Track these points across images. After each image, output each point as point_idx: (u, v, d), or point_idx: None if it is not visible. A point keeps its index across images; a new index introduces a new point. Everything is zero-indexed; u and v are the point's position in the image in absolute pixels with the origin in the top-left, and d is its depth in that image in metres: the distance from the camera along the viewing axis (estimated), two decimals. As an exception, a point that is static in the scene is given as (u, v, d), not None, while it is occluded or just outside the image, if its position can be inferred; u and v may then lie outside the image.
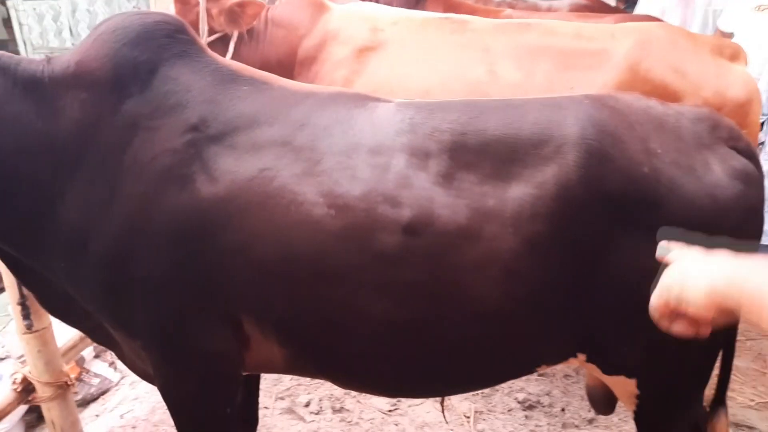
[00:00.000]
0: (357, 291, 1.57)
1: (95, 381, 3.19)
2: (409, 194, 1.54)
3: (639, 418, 1.82)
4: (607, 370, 1.73)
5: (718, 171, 1.59)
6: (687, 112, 1.68)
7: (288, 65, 2.93)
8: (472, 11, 3.72)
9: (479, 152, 1.58)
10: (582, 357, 1.72)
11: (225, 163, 1.60)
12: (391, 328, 1.59)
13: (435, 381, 1.75)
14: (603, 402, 2.02)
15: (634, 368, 1.71)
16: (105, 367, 3.35)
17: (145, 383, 3.22)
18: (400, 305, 1.57)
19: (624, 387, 1.76)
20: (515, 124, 1.60)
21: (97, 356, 3.31)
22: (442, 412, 2.15)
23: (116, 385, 3.33)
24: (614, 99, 1.68)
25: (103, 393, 3.27)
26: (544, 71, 2.64)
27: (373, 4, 3.22)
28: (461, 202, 1.54)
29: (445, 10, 3.55)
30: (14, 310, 2.20)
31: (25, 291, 2.16)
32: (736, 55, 2.58)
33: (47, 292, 1.87)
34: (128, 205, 1.60)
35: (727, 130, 1.67)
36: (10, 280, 2.16)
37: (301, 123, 1.64)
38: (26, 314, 2.17)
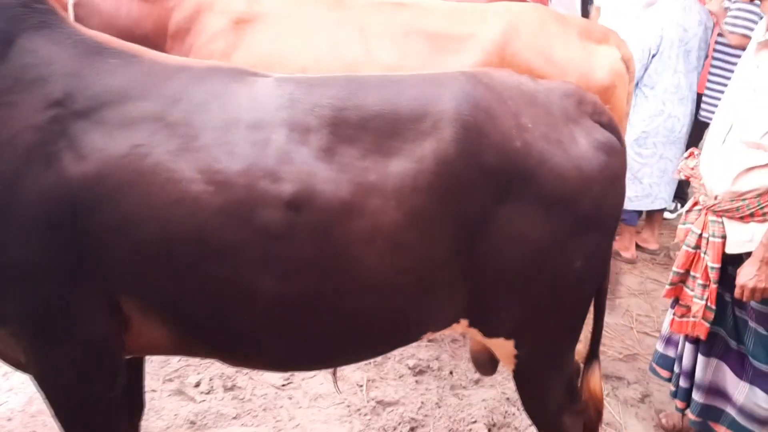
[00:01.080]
0: (241, 268, 1.55)
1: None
2: (291, 169, 1.54)
3: (518, 375, 1.94)
4: (488, 333, 1.83)
5: (583, 143, 1.69)
6: (556, 87, 1.78)
7: (157, 40, 2.75)
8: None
9: (360, 127, 1.59)
10: (464, 322, 1.80)
11: (94, 139, 1.52)
12: (279, 303, 1.59)
13: (326, 353, 1.77)
14: (486, 364, 2.13)
15: (511, 330, 1.81)
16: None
17: (19, 373, 3.07)
18: (287, 280, 1.57)
19: (503, 348, 1.86)
20: (394, 99, 1.62)
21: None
22: (335, 383, 2.18)
23: (-12, 378, 3.12)
24: (488, 75, 1.74)
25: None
26: (417, 53, 2.70)
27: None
28: (343, 177, 1.55)
29: None
30: None
31: None
32: (604, 37, 2.74)
33: None
34: None
35: (591, 105, 1.78)
36: None
37: (175, 97, 1.58)
38: None
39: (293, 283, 1.58)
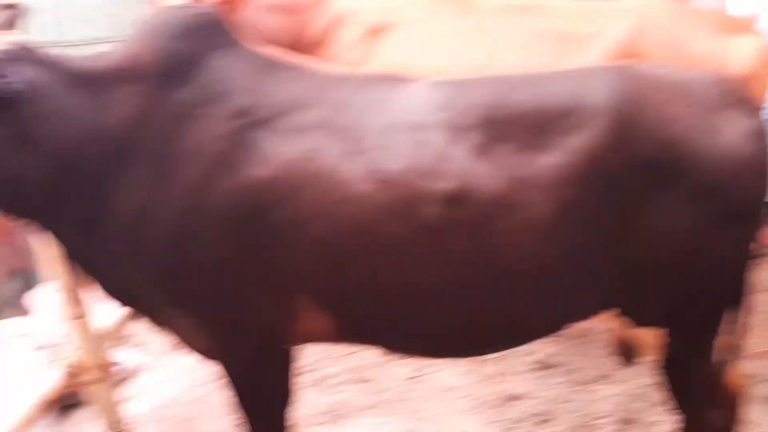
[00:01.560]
0: (405, 261, 1.67)
1: (126, 366, 3.28)
2: (449, 167, 1.64)
3: (666, 365, 1.95)
4: (639, 322, 1.86)
5: (731, 132, 1.70)
6: (702, 77, 1.79)
7: (293, 51, 2.96)
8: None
9: (512, 124, 1.68)
10: (617, 311, 1.84)
11: (271, 145, 1.69)
12: (439, 294, 1.70)
13: (480, 342, 1.87)
14: (627, 351, 2.16)
15: (662, 319, 1.84)
16: (134, 351, 3.44)
17: (175, 364, 3.34)
18: (447, 272, 1.68)
19: (653, 337, 1.89)
20: (544, 96, 1.70)
21: (127, 342, 3.40)
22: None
23: (147, 369, 3.43)
24: (633, 68, 1.78)
25: (134, 376, 3.36)
26: (543, 55, 2.74)
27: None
28: (499, 172, 1.64)
29: None
30: (64, 298, 2.27)
31: (69, 278, 2.24)
32: (743, 27, 2.66)
33: (105, 276, 1.96)
34: (182, 190, 1.69)
35: (737, 93, 1.78)
36: (55, 269, 2.24)
37: (341, 104, 1.73)
38: (72, 301, 2.25)
39: (454, 275, 1.69)
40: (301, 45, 2.95)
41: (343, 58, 2.84)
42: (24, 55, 1.71)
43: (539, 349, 3.34)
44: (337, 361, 3.32)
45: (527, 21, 2.82)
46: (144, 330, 3.78)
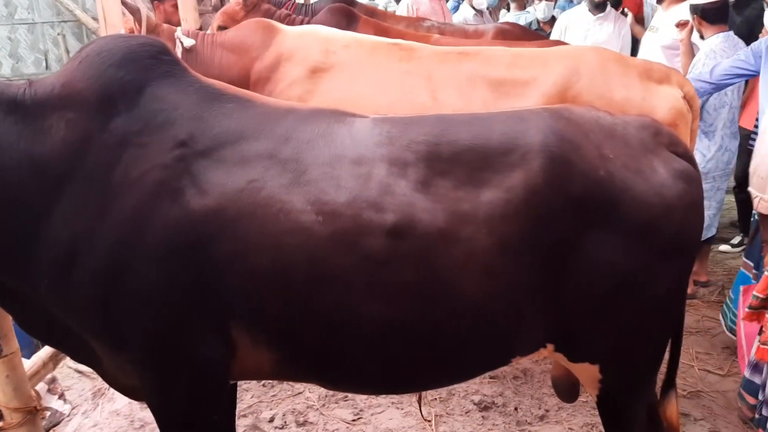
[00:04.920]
0: (348, 292, 1.66)
1: (47, 414, 3.10)
2: (392, 200, 1.66)
3: (602, 401, 1.99)
4: (573, 358, 1.89)
5: (662, 172, 1.79)
6: (632, 121, 1.89)
7: (240, 87, 3.00)
8: (401, 35, 3.93)
9: (453, 161, 1.71)
10: (551, 347, 1.87)
11: (214, 176, 1.67)
12: (380, 327, 1.69)
13: (421, 375, 1.86)
14: (567, 390, 2.18)
15: (597, 355, 1.88)
16: (55, 399, 3.26)
17: (98, 412, 3.19)
18: (389, 304, 1.67)
19: (588, 373, 1.92)
20: (484, 135, 1.75)
21: (48, 390, 3.22)
22: (420, 408, 2.25)
23: (68, 416, 3.25)
24: (569, 110, 1.86)
25: (55, 425, 3.19)
26: (481, 98, 2.86)
27: (324, 27, 3.34)
28: (439, 207, 1.67)
29: (376, 34, 3.73)
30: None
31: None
32: (665, 77, 2.85)
33: (27, 313, 1.86)
34: (120, 219, 1.64)
35: (667, 136, 1.88)
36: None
37: (285, 137, 1.73)
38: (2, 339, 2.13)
39: (395, 307, 1.68)
40: (248, 82, 2.99)
41: (287, 95, 2.88)
42: None
43: (477, 389, 3.35)
44: (277, 404, 3.23)
45: (466, 66, 2.94)
46: (65, 376, 3.61)
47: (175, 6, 4.83)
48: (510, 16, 8.00)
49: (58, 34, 8.47)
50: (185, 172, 1.66)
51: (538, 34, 5.95)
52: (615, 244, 1.72)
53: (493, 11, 8.18)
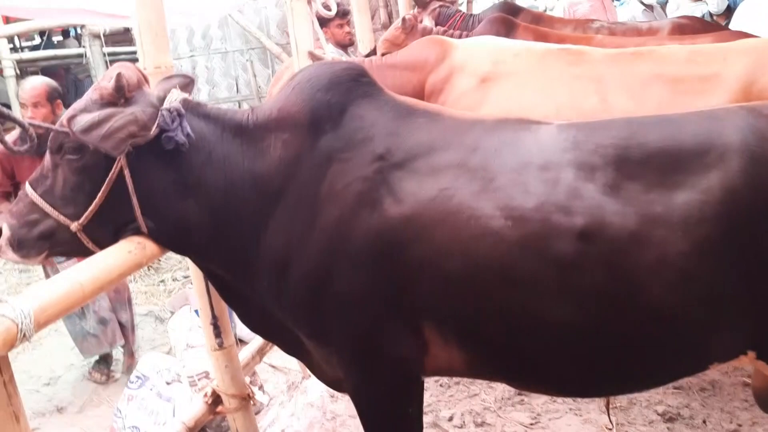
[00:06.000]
0: (536, 295, 1.72)
1: (258, 402, 3.46)
2: (580, 204, 1.70)
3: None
4: None
5: None
6: None
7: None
8: (562, 40, 3.89)
9: (643, 163, 1.71)
10: (752, 354, 1.79)
11: (408, 186, 1.81)
12: (570, 330, 1.73)
13: (610, 380, 1.86)
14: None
15: None
16: (256, 390, 3.62)
17: (293, 403, 3.49)
18: (578, 308, 1.71)
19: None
20: (676, 135, 1.73)
21: (250, 382, 3.58)
22: (608, 414, 2.24)
23: (267, 405, 3.60)
24: (765, 107, 1.78)
25: (256, 414, 3.53)
26: (657, 98, 2.76)
27: (496, 37, 3.44)
28: (630, 210, 1.68)
29: (536, 40, 3.73)
30: (206, 330, 2.48)
31: (216, 312, 2.44)
32: None
33: (248, 309, 2.13)
34: (326, 227, 1.84)
35: None
36: (203, 303, 2.45)
37: (473, 147, 1.84)
38: (217, 333, 2.45)
39: (584, 310, 1.71)
40: (422, 95, 3.15)
41: (458, 104, 3.00)
42: (191, 109, 1.95)
43: (660, 400, 3.23)
44: (455, 404, 3.34)
45: (639, 66, 2.87)
46: (262, 370, 3.99)
47: (340, 25, 5.13)
48: (683, 9, 7.55)
49: (247, 60, 9.36)
50: (383, 183, 1.82)
51: (720, 26, 5.58)
52: None
53: (662, 7, 7.77)
